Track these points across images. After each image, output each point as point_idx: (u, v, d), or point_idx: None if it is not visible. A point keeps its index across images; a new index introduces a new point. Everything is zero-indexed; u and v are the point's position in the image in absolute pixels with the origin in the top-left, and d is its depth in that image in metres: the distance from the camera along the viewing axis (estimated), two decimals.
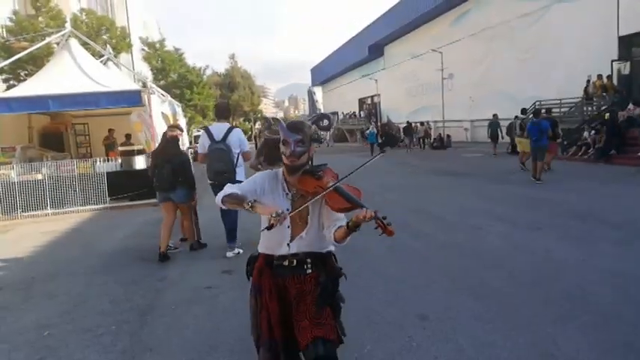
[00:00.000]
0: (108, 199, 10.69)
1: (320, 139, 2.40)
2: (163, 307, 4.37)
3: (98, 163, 10.97)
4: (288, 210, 2.18)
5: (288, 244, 2.30)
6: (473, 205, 8.84)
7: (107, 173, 10.80)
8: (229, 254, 6.01)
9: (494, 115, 21.93)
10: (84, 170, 10.69)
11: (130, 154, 11.49)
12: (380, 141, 23.48)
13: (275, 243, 2.33)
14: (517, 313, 3.75)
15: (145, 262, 5.96)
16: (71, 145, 14.81)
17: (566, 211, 7.62)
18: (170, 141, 6.18)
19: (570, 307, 3.80)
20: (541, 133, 11.21)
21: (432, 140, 30.59)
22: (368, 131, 24.36)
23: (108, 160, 11.25)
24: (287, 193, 2.34)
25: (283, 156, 2.27)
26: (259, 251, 2.44)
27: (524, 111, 16.60)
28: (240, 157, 5.85)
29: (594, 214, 7.34)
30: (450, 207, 8.71)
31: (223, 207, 2.36)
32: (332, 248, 2.41)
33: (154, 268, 5.70)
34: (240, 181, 4.65)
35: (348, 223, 2.14)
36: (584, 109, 19.89)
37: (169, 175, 5.98)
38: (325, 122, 2.42)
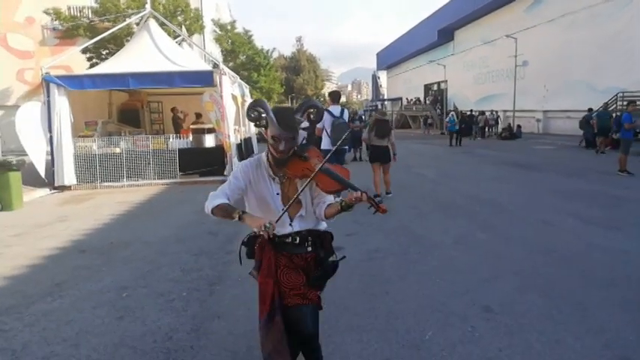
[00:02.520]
0: (179, 174, 11.23)
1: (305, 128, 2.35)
2: (231, 278, 4.56)
3: (171, 139, 11.51)
4: (279, 206, 2.33)
5: (290, 224, 2.38)
6: (544, 199, 8.45)
7: (179, 150, 11.32)
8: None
9: (590, 109, 20.59)
10: (158, 146, 11.27)
11: (200, 132, 11.95)
12: (457, 129, 22.35)
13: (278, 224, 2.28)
14: (590, 315, 3.58)
15: (213, 236, 6.24)
16: (146, 121, 15.63)
17: None
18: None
19: None
20: (619, 125, 11.59)
21: (494, 130, 29.46)
22: (448, 118, 23.37)
23: (180, 138, 11.77)
24: (274, 178, 2.38)
25: (271, 148, 2.29)
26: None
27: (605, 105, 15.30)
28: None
29: None
30: (519, 200, 8.38)
31: (212, 217, 2.40)
32: (325, 226, 2.52)
33: (222, 241, 5.95)
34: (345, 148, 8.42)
35: (341, 203, 2.20)
36: None
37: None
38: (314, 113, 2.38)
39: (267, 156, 2.38)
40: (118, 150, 11.10)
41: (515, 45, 29.52)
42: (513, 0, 32.77)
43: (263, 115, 2.29)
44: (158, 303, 4.00)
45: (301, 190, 2.26)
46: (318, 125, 7.84)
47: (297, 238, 2.40)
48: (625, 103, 16.34)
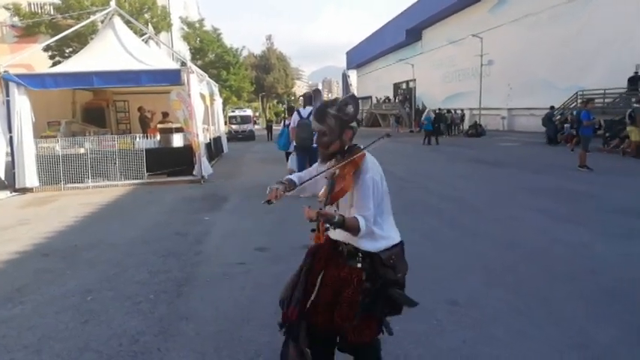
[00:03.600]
0: (146, 174, 11.03)
1: (353, 127, 2.22)
2: (199, 279, 4.52)
3: (138, 139, 11.28)
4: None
5: (332, 229, 2.16)
6: (509, 195, 8.69)
7: (146, 150, 11.12)
8: None
9: (552, 107, 21.26)
10: (124, 146, 11.03)
11: (168, 132, 11.77)
12: (432, 128, 22.20)
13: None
14: (552, 307, 3.70)
15: (181, 237, 6.16)
16: (112, 121, 15.28)
17: (607, 206, 7.40)
18: None
19: (609, 304, 3.73)
20: (579, 122, 11.99)
21: (461, 128, 30.00)
22: (424, 117, 23.15)
23: (147, 137, 11.56)
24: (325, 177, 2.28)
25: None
26: None
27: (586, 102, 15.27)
28: None
29: (637, 209, 7.11)
30: (485, 196, 8.59)
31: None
32: (381, 246, 2.20)
33: (191, 242, 5.88)
34: (314, 147, 7.79)
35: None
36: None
37: None
38: (350, 109, 2.15)
39: None
40: (82, 150, 10.81)
41: (480, 44, 30.21)
42: (479, 0, 33.48)
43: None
44: (124, 306, 3.92)
45: (305, 182, 2.31)
46: (291, 124, 8.81)
47: (346, 250, 2.24)
48: (581, 100, 16.99)
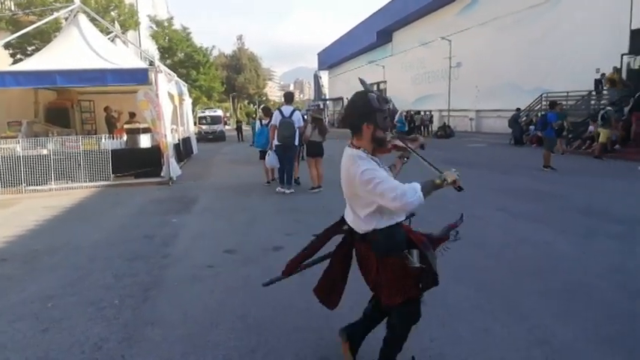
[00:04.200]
0: (112, 176, 10.75)
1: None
2: (166, 283, 4.43)
3: (103, 140, 11.00)
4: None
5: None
6: (475, 194, 8.85)
7: (112, 151, 10.85)
8: (287, 191, 9.10)
9: (518, 109, 21.84)
10: (89, 147, 10.74)
11: (135, 132, 11.51)
12: (406, 129, 22.28)
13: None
14: (515, 304, 3.79)
15: (149, 239, 6.03)
16: (77, 121, 14.86)
17: (567, 205, 7.64)
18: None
19: (568, 299, 3.84)
20: (544, 124, 12.15)
21: (430, 129, 30.42)
22: (396, 118, 23.18)
23: (113, 138, 11.28)
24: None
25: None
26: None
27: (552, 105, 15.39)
28: (298, 129, 8.92)
29: (597, 208, 7.36)
30: (453, 196, 8.71)
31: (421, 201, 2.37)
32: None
33: (158, 244, 5.76)
34: (296, 145, 9.20)
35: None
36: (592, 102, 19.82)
37: None
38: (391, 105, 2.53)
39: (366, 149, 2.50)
40: (45, 152, 10.45)
41: (449, 47, 30.74)
42: (448, 3, 34.06)
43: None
44: (87, 312, 3.81)
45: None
46: (271, 123, 9.10)
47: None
48: (546, 102, 17.49)
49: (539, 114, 19.09)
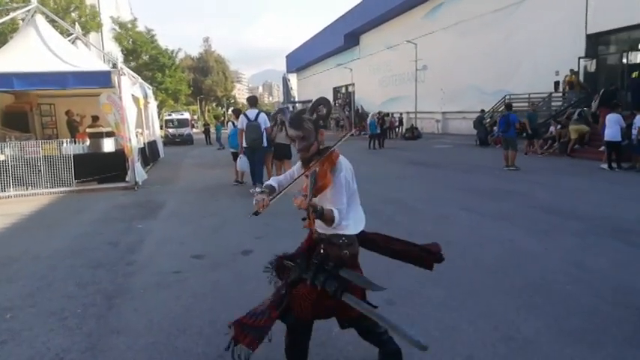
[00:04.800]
0: (74, 181, 10.43)
1: (326, 125, 2.57)
2: (132, 290, 4.32)
3: (65, 144, 10.66)
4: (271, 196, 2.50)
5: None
6: (442, 194, 9.02)
7: (74, 155, 10.52)
8: (257, 190, 9.00)
9: (482, 110, 22.38)
10: (49, 152, 10.38)
11: (98, 136, 11.21)
12: (379, 131, 22.01)
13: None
14: (481, 301, 3.87)
15: (113, 246, 5.87)
16: (36, 125, 14.34)
17: (530, 203, 7.86)
18: None
19: (531, 295, 3.95)
20: (508, 125, 12.47)
21: (400, 131, 30.76)
22: (369, 120, 23.07)
23: (75, 142, 10.95)
24: (305, 175, 2.52)
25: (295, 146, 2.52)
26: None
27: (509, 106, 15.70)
28: (265, 130, 9.11)
29: (557, 206, 7.60)
30: (420, 196, 8.87)
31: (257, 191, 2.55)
32: (339, 231, 2.51)
33: (123, 251, 5.62)
34: (266, 146, 9.27)
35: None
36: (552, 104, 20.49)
37: None
38: (323, 110, 2.51)
39: None
40: (2, 157, 10.05)
41: (415, 50, 31.22)
42: (413, 7, 34.59)
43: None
44: (48, 322, 3.67)
45: (286, 187, 2.55)
46: (238, 126, 9.37)
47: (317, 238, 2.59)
48: (502, 107, 18.06)
49: (499, 115, 19.47)
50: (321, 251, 2.56)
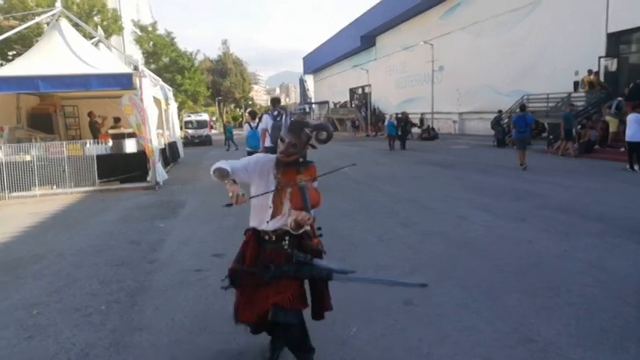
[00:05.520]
0: (97, 181, 10.66)
1: (314, 146, 2.69)
2: (154, 288, 4.41)
3: (88, 145, 10.90)
4: (269, 201, 2.60)
5: (267, 222, 2.64)
6: (460, 195, 8.96)
7: (97, 156, 10.75)
8: None
9: (500, 111, 22.19)
10: (73, 152, 10.63)
11: (120, 137, 11.43)
12: (399, 133, 21.57)
13: (259, 220, 2.70)
14: (500, 302, 3.85)
15: (135, 245, 5.99)
16: (60, 126, 14.69)
17: (549, 204, 7.76)
18: None
19: (551, 297, 3.91)
20: (526, 125, 12.73)
21: (419, 132, 30.48)
22: (386, 122, 22.74)
23: (98, 143, 11.18)
24: (276, 177, 2.64)
25: (278, 148, 2.59)
26: (250, 225, 2.79)
27: (523, 107, 15.43)
28: None
29: (577, 207, 7.49)
30: (437, 197, 8.82)
31: (213, 177, 2.62)
32: (307, 228, 2.66)
33: (144, 250, 5.73)
34: None
35: (294, 219, 2.47)
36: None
37: None
38: (323, 135, 2.63)
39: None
40: (28, 157, 10.32)
41: (431, 51, 31.02)
42: (430, 7, 34.38)
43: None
44: (73, 318, 3.78)
45: (261, 194, 2.59)
46: (261, 126, 9.29)
47: (274, 237, 2.65)
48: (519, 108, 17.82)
49: (513, 116, 19.12)
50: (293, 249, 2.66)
